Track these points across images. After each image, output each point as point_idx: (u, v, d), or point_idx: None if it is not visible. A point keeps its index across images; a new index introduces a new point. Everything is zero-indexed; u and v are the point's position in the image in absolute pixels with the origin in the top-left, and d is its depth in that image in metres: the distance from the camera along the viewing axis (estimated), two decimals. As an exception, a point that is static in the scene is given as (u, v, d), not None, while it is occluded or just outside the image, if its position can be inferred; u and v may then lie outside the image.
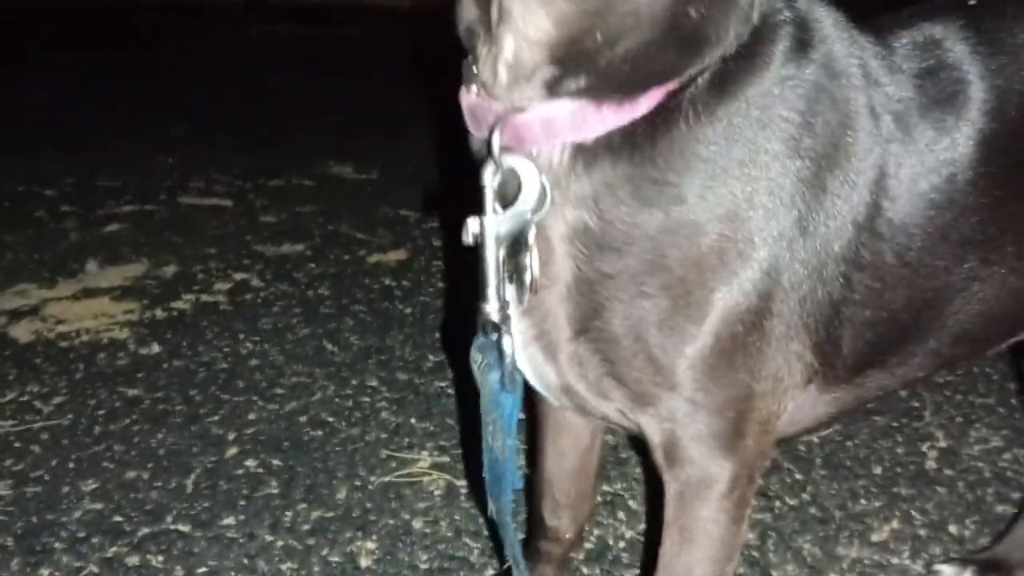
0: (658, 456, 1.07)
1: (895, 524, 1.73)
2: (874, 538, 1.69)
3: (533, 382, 1.13)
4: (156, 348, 2.29)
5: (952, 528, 1.73)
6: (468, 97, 1.00)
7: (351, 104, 4.92)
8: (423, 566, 1.58)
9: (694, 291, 0.96)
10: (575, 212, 0.96)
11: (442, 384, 2.16)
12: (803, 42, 0.99)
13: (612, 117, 0.94)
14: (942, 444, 1.99)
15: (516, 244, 0.99)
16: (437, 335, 2.40)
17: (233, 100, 4.93)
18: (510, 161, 0.96)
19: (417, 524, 1.68)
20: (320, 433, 1.95)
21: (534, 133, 0.95)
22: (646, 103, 0.93)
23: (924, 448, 1.97)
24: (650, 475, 1.83)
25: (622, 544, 1.65)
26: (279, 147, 4.09)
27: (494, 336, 1.02)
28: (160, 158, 3.85)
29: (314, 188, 3.60)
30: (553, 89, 0.94)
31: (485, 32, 0.96)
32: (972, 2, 1.16)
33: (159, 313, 2.48)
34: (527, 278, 0.99)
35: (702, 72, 0.94)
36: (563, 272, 0.99)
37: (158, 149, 3.96)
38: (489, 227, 0.98)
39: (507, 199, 0.97)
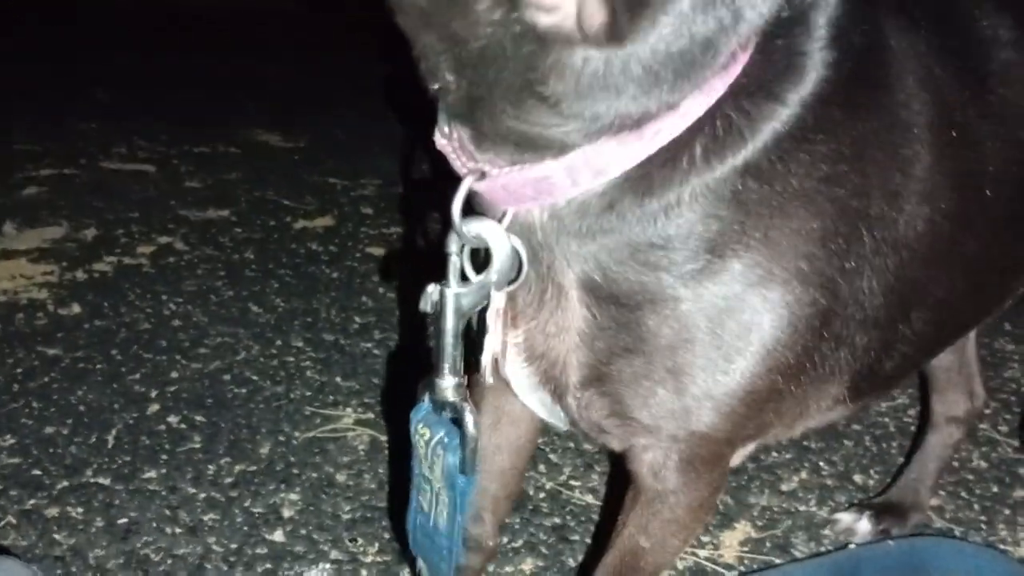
0: (641, 468, 1.01)
1: (804, 475, 1.79)
2: (783, 487, 1.75)
3: (544, 416, 1.07)
4: (76, 309, 2.26)
5: (857, 478, 1.80)
6: (440, 142, 0.90)
7: (281, 75, 4.87)
8: (346, 516, 1.60)
9: (726, 344, 0.87)
10: (580, 266, 0.88)
11: (368, 345, 2.17)
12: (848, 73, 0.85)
13: (586, 179, 0.83)
14: (851, 402, 2.07)
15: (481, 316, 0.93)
16: (364, 299, 2.40)
17: (162, 69, 4.84)
18: (478, 228, 0.88)
19: (340, 477, 1.70)
20: (244, 391, 1.95)
21: (501, 196, 0.87)
22: (617, 167, 0.83)
23: (834, 405, 2.04)
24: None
25: (542, 495, 1.69)
26: (206, 115, 4.04)
27: (450, 415, 0.97)
28: (83, 124, 3.77)
29: (241, 155, 3.57)
30: (491, 143, 0.85)
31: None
32: None
33: (79, 275, 2.44)
34: (486, 357, 0.93)
35: (715, 113, 0.82)
36: (575, 320, 0.91)
37: (81, 116, 3.89)
38: (450, 298, 0.91)
39: (478, 263, 0.90)
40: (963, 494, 1.76)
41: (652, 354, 0.89)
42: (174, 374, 1.99)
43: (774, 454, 1.84)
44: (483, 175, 0.86)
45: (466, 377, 0.96)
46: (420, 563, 1.14)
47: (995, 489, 1.78)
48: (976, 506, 1.73)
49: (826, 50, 0.84)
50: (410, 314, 2.30)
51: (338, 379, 2.02)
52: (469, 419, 0.95)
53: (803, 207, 0.84)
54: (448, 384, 0.95)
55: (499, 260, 0.88)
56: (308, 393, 1.96)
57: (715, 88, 0.80)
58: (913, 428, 1.96)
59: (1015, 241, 1.07)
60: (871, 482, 1.79)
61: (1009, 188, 1.01)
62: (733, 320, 0.86)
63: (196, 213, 2.93)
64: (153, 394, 1.92)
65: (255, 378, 2.00)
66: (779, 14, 0.81)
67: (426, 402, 0.99)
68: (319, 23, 6.04)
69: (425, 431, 0.99)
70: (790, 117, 0.82)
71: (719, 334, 0.87)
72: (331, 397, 1.95)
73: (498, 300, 0.91)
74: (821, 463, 1.83)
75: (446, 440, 0.97)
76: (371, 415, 1.90)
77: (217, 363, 2.05)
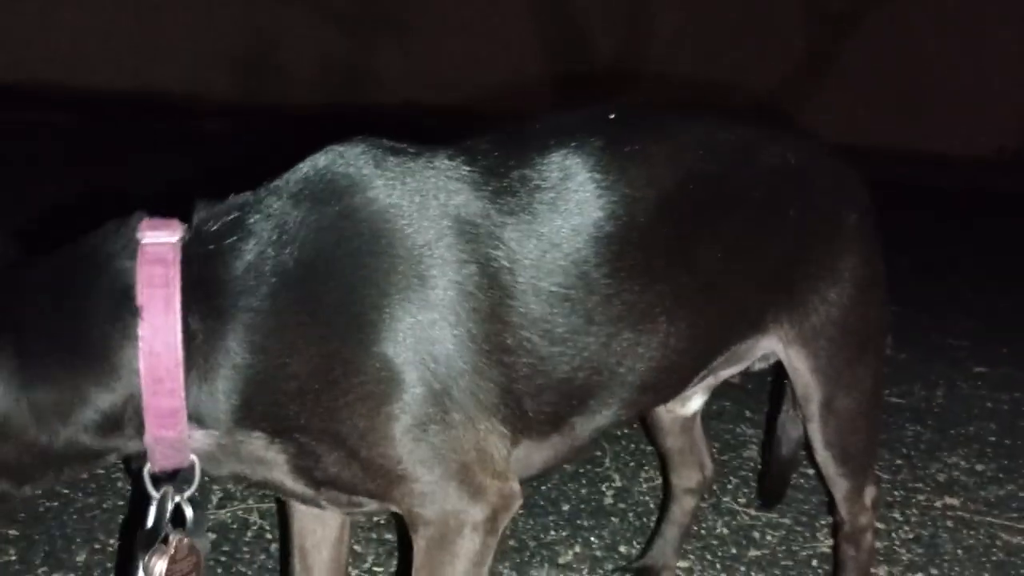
0: (407, 522, 1.30)
1: (578, 548, 2.07)
2: (561, 561, 2.02)
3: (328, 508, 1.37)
4: None
5: (623, 548, 2.09)
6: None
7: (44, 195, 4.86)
8: (167, 613, 1.72)
9: (375, 423, 1.20)
10: (258, 442, 1.22)
11: (175, 455, 2.29)
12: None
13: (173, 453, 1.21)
14: (618, 484, 2.38)
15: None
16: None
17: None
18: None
19: (158, 578, 1.82)
20: (56, 504, 2.03)
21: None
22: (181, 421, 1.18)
23: (603, 488, 2.35)
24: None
25: (349, 582, 1.87)
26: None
27: None
28: None
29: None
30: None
31: None
32: (612, 116, 1.45)
33: None
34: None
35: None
36: (281, 465, 1.24)
37: None
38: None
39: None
40: (708, 556, 2.08)
41: (335, 448, 1.22)
42: (-18, 491, 2.04)
43: (552, 533, 2.11)
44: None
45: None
46: None
47: (734, 551, 2.12)
48: (718, 566, 2.05)
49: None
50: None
51: (149, 488, 2.13)
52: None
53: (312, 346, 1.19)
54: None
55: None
56: (121, 503, 2.06)
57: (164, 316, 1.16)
58: (668, 504, 2.28)
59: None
60: (634, 552, 2.08)
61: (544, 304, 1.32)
62: (372, 404, 1.21)
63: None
64: (-37, 512, 1.97)
65: (67, 491, 2.08)
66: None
67: None
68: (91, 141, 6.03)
69: None
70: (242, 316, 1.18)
71: (366, 416, 1.20)
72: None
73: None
74: (592, 538, 2.11)
75: None
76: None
77: (26, 479, 2.11)
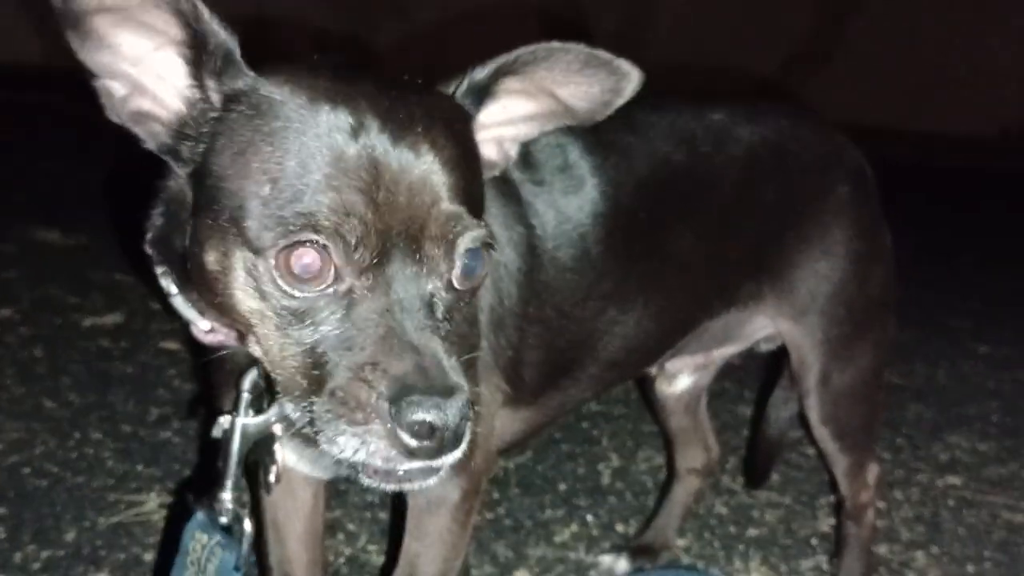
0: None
1: (574, 528, 2.04)
2: (557, 539, 1.99)
3: (320, 473, 1.34)
4: None
5: (620, 528, 2.06)
6: (205, 333, 1.13)
7: (52, 170, 4.81)
8: (156, 592, 1.70)
9: None
10: None
11: (167, 434, 2.26)
12: None
13: None
14: (615, 463, 2.35)
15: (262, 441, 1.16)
16: (160, 391, 2.48)
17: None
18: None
19: (148, 556, 1.79)
20: (45, 482, 2.00)
21: None
22: None
23: (600, 467, 2.32)
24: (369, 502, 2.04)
25: (342, 560, 1.84)
26: (-21, 213, 3.95)
27: (226, 521, 1.17)
28: None
29: (18, 254, 3.52)
30: None
31: None
32: None
33: None
34: (272, 472, 1.16)
35: None
36: None
37: None
38: (239, 427, 1.14)
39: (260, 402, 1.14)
40: (706, 535, 2.05)
41: None
42: (-30, 470, 2.02)
43: (548, 512, 2.08)
44: None
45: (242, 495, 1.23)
46: None
47: (732, 530, 2.09)
48: (717, 544, 2.03)
49: None
50: (209, 404, 2.41)
51: (139, 467, 2.10)
52: (247, 522, 1.18)
53: None
54: (229, 496, 1.16)
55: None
56: (111, 481, 2.03)
57: None
58: (666, 483, 2.25)
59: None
60: (631, 531, 2.05)
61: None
62: None
63: (-23, 313, 2.91)
64: (-50, 491, 1.93)
65: (55, 470, 2.05)
66: None
67: (200, 514, 1.19)
68: (89, 117, 5.98)
69: (202, 536, 1.19)
70: None
71: None
72: (133, 484, 2.03)
73: (279, 430, 1.15)
74: (589, 517, 2.08)
75: (223, 541, 1.17)
76: (174, 498, 1.99)
77: (15, 457, 2.08)
